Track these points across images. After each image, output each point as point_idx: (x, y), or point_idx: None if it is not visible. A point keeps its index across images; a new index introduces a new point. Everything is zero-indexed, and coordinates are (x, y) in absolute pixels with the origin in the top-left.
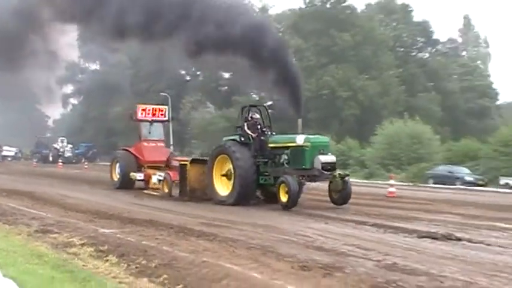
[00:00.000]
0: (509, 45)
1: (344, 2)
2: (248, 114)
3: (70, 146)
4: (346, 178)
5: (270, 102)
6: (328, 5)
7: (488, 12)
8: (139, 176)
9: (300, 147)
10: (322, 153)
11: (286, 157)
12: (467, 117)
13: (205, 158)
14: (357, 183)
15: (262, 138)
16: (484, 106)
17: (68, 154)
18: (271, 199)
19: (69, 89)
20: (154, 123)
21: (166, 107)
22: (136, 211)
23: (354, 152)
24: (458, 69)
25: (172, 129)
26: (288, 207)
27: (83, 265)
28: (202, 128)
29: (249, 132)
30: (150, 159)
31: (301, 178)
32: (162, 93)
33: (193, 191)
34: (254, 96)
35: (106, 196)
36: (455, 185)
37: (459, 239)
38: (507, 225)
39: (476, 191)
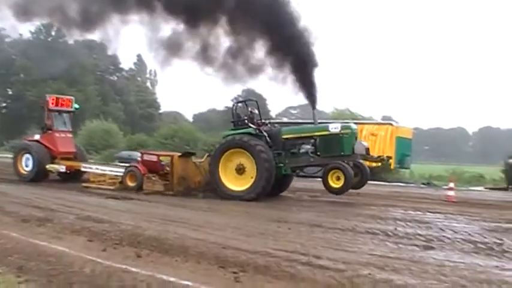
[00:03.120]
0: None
1: (62, 37)
2: (247, 108)
3: None
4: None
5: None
6: (49, 39)
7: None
8: (62, 168)
9: (335, 135)
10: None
11: (309, 146)
12: (140, 119)
13: (191, 151)
14: None
15: (273, 130)
16: (151, 113)
17: None
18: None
19: None
20: (63, 114)
21: (73, 97)
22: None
23: None
24: (135, 88)
25: None
26: (343, 192)
27: None
28: None
29: (253, 126)
30: (63, 150)
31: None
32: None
33: (179, 186)
34: None
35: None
36: None
37: (132, 199)
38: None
39: None
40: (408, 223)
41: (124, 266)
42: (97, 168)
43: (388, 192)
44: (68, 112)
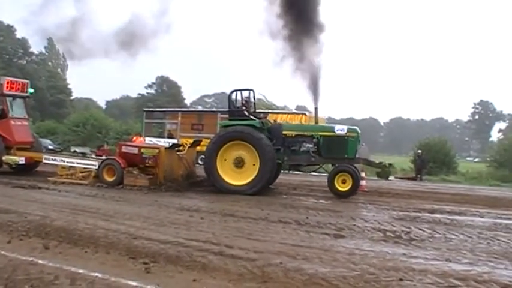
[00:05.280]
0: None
1: None
2: (242, 98)
3: None
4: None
5: None
6: None
7: None
8: (21, 160)
9: (340, 137)
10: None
11: (311, 145)
12: (50, 106)
13: (178, 143)
14: None
15: (274, 125)
16: (62, 99)
17: None
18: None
19: None
20: (17, 99)
21: (28, 81)
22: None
23: None
24: (46, 73)
25: None
26: (350, 195)
27: None
28: None
29: (251, 116)
30: (20, 139)
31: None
32: None
33: (167, 180)
34: None
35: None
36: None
37: (40, 188)
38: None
39: None
40: (320, 212)
41: (30, 258)
42: (63, 161)
43: (300, 182)
44: (23, 97)
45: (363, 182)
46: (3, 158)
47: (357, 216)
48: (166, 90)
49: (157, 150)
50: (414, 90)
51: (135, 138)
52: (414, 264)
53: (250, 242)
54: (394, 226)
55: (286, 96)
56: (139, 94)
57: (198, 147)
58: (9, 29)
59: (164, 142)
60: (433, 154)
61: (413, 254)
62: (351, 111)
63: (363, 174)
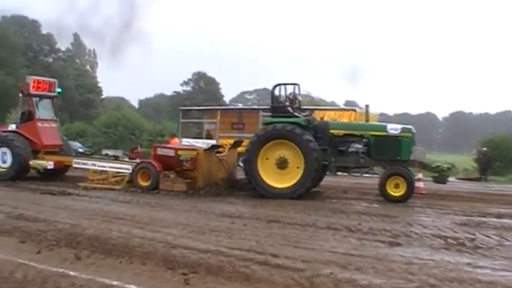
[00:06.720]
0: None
1: None
2: (285, 93)
3: None
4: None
5: None
6: None
7: None
8: (50, 164)
9: (393, 137)
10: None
11: (361, 146)
12: (79, 106)
13: (218, 144)
14: None
15: (320, 122)
16: (92, 99)
17: None
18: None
19: None
20: (45, 99)
21: (55, 80)
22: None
23: None
24: (73, 72)
25: None
26: (404, 201)
27: None
28: None
29: (295, 113)
30: (48, 143)
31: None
32: None
33: (206, 184)
34: None
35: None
36: None
37: (70, 194)
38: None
39: None
40: (373, 217)
41: (61, 270)
42: (94, 165)
43: (351, 184)
44: (51, 97)
45: (420, 184)
46: (31, 162)
47: (414, 222)
48: (204, 87)
49: (195, 152)
50: (477, 81)
51: (170, 139)
52: (480, 276)
53: (297, 251)
54: (456, 232)
55: (334, 90)
56: (175, 92)
57: (239, 148)
58: (34, 25)
59: (202, 143)
60: (499, 152)
61: (479, 264)
62: (406, 105)
63: (420, 175)
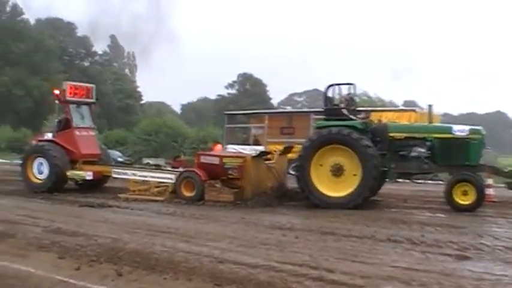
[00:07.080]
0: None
1: (19, 16)
2: (340, 94)
3: None
4: None
5: None
6: (3, 17)
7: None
8: (88, 174)
9: (460, 140)
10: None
11: (423, 150)
12: (118, 113)
13: (266, 151)
14: None
15: (378, 125)
16: (131, 105)
17: None
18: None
19: None
20: (82, 106)
21: (93, 85)
22: None
23: (27, 139)
24: (111, 76)
25: None
26: (474, 210)
27: None
28: None
29: (351, 116)
30: (86, 152)
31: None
32: None
33: (254, 194)
34: None
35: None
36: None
37: (110, 206)
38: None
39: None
40: (437, 228)
41: (102, 287)
42: (134, 174)
43: (412, 192)
44: (88, 104)
45: (490, 191)
46: (68, 173)
47: (484, 233)
48: (250, 90)
49: (241, 160)
50: None
51: (213, 146)
52: None
53: (354, 265)
54: None
55: (391, 89)
56: (219, 95)
57: (289, 155)
58: (69, 27)
59: (250, 150)
60: None
61: None
62: (473, 104)
63: (490, 181)
